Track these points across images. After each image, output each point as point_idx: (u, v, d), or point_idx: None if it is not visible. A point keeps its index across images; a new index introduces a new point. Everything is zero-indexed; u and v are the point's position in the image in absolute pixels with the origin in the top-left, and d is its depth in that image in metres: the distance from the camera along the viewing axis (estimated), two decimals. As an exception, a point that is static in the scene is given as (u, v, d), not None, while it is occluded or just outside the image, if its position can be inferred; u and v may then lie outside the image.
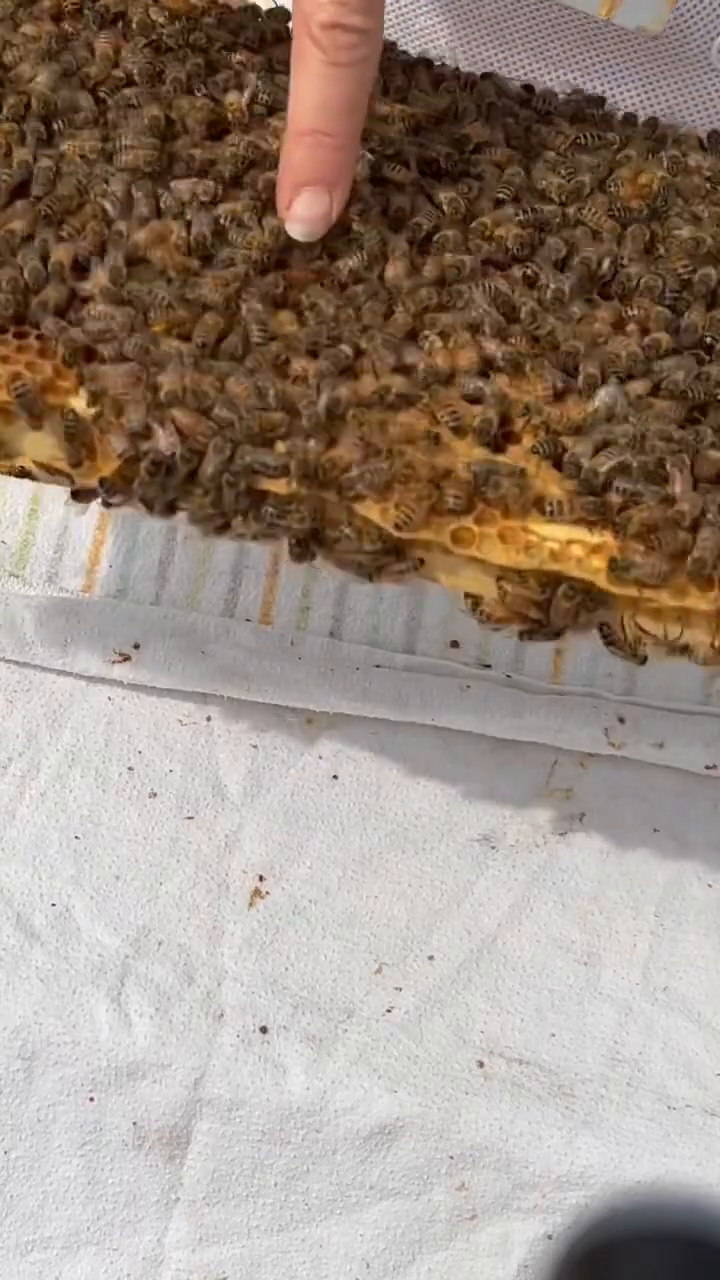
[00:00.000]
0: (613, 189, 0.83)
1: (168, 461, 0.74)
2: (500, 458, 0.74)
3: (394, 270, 0.78)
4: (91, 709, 0.95)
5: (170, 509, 0.77)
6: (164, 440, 0.74)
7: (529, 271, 0.79)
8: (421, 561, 0.76)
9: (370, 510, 0.73)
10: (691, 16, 0.94)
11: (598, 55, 0.98)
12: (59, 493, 0.99)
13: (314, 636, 0.97)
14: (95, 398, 0.74)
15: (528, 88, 0.90)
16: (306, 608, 0.98)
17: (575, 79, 0.97)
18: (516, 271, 0.80)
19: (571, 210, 0.82)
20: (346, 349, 0.75)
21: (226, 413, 0.73)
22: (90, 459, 0.76)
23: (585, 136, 0.85)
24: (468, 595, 0.76)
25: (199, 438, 0.73)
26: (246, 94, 0.82)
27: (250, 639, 0.96)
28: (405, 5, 0.99)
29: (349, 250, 0.78)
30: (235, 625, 0.97)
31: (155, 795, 0.93)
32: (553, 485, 0.73)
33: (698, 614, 0.74)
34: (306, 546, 0.76)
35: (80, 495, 0.79)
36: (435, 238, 0.80)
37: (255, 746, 0.95)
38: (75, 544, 0.99)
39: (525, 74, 0.98)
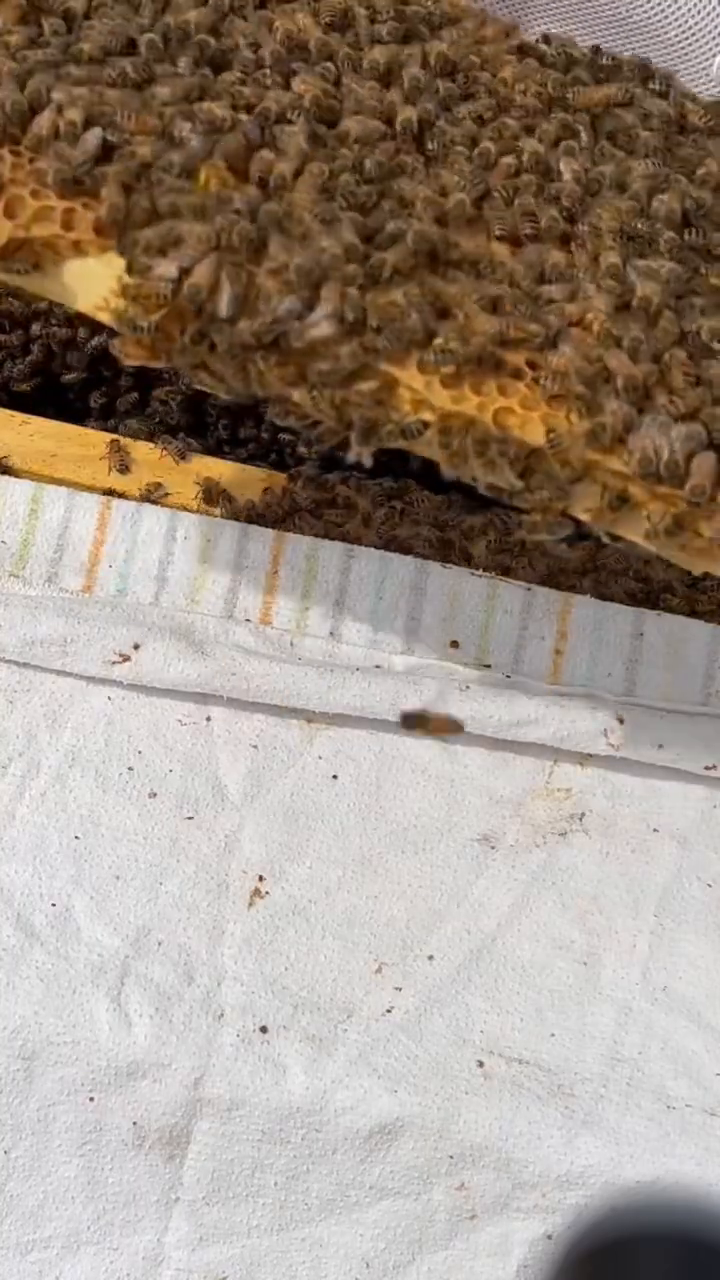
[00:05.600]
0: None
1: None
2: None
3: None
4: (91, 709, 0.95)
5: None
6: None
7: None
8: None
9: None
10: (692, 34, 0.94)
11: None
12: (59, 493, 1.00)
13: (314, 637, 0.97)
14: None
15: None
16: (306, 608, 0.98)
17: None
18: None
19: None
20: None
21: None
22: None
23: None
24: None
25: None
26: None
27: (250, 639, 0.96)
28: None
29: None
30: (235, 625, 0.97)
31: (155, 795, 0.93)
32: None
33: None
34: None
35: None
36: None
37: (255, 746, 0.95)
38: (75, 544, 0.99)
39: None
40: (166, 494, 1.02)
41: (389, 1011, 0.87)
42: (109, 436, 1.04)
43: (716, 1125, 0.85)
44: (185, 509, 1.01)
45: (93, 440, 1.04)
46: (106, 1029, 0.85)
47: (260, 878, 0.91)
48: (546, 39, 0.91)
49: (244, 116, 0.81)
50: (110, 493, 1.01)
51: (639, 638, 0.98)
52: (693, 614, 1.00)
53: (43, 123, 0.78)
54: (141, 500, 1.01)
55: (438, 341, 0.77)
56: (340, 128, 0.82)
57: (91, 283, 0.79)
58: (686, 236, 0.82)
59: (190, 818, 0.92)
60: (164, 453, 1.03)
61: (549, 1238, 0.84)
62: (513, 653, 0.97)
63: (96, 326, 1.11)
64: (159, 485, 1.02)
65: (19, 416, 1.04)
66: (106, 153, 0.79)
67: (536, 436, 0.77)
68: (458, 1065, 0.86)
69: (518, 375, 0.77)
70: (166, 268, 0.77)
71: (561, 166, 0.84)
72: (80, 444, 1.03)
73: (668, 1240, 0.49)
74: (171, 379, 1.12)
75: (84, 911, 0.88)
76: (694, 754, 0.95)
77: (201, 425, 1.13)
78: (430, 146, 0.83)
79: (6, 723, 0.94)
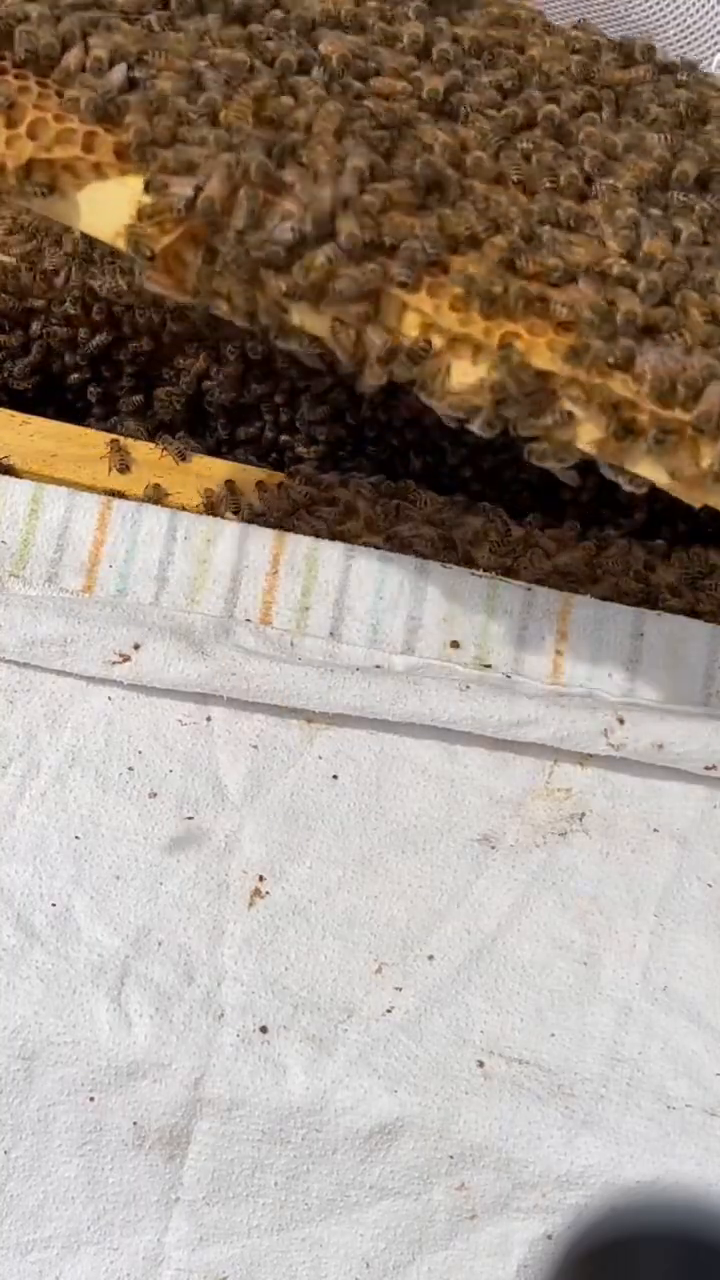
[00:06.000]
0: None
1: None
2: None
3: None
4: (91, 709, 0.95)
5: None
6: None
7: None
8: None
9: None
10: (691, 33, 0.94)
11: None
12: (59, 493, 1.00)
13: (313, 637, 0.97)
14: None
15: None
16: (306, 608, 0.98)
17: None
18: None
19: None
20: None
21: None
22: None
23: None
24: None
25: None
26: None
27: (250, 639, 0.96)
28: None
29: None
30: (235, 625, 0.97)
31: (155, 795, 0.93)
32: None
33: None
34: None
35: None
36: None
37: (255, 746, 0.95)
38: (75, 544, 0.99)
39: None
40: (167, 494, 1.02)
41: (389, 1011, 0.87)
42: (109, 436, 1.04)
43: (716, 1125, 0.85)
44: (185, 509, 1.01)
45: (93, 440, 1.04)
46: (106, 1029, 0.85)
47: (260, 878, 0.91)
48: (577, 27, 0.92)
49: (263, 65, 0.83)
50: (111, 493, 1.01)
51: (639, 638, 0.98)
52: (693, 614, 1.00)
53: (70, 58, 0.81)
54: (142, 500, 1.01)
55: (454, 266, 0.78)
56: (363, 85, 0.84)
57: (109, 208, 0.81)
58: (703, 199, 0.84)
59: (190, 818, 0.92)
60: (164, 453, 1.03)
61: (549, 1238, 0.84)
62: (513, 653, 0.97)
63: (96, 326, 1.11)
64: (159, 485, 1.02)
65: (19, 416, 1.04)
66: (131, 86, 0.81)
67: (542, 361, 0.77)
68: (458, 1065, 0.86)
69: (528, 304, 0.78)
70: (182, 185, 0.78)
71: (583, 133, 0.85)
72: (80, 444, 1.03)
73: (668, 1240, 0.49)
74: (173, 380, 1.12)
75: (84, 911, 0.88)
76: (694, 754, 0.95)
77: (201, 425, 1.13)
78: (457, 113, 0.85)
79: (6, 723, 0.94)
